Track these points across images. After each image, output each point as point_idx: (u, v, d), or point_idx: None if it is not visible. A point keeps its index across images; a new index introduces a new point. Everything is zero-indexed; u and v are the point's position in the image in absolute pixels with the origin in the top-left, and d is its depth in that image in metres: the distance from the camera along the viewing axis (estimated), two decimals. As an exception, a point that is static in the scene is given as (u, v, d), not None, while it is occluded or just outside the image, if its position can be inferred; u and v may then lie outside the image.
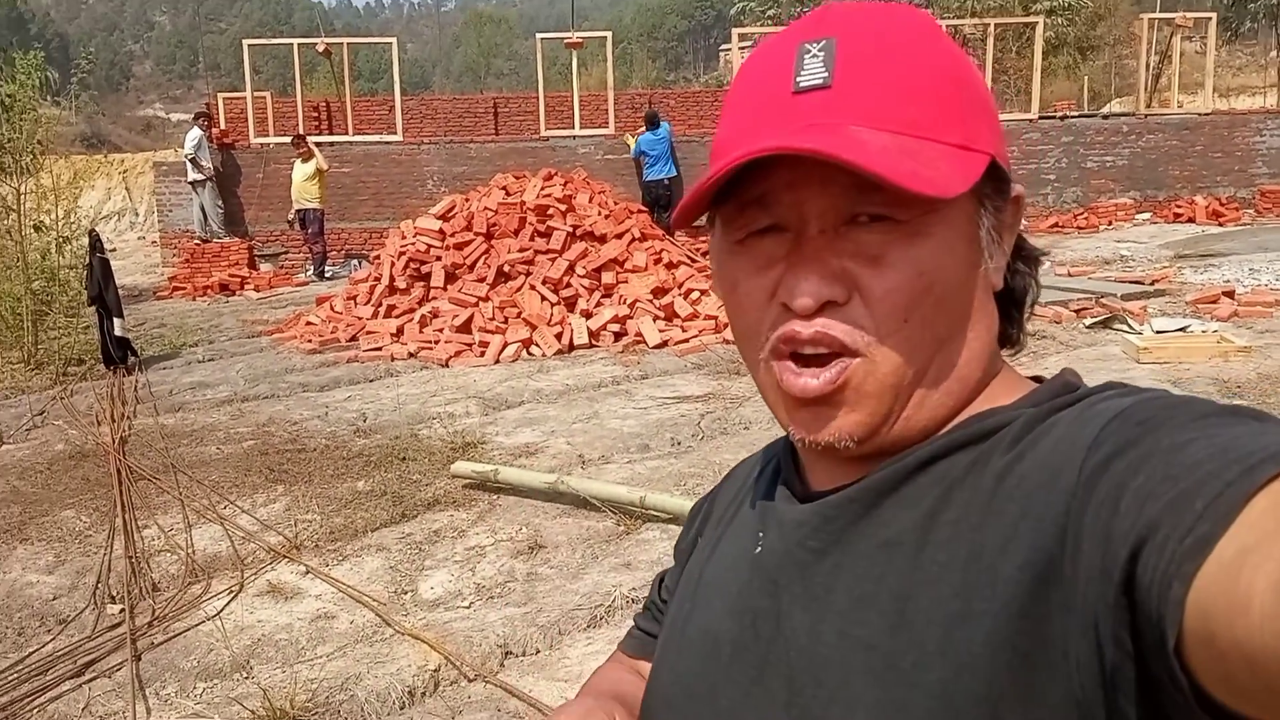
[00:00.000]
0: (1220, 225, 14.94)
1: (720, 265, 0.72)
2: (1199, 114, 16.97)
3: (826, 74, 0.65)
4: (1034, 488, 0.59)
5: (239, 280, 13.38)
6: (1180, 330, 7.63)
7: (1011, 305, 0.74)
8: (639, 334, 8.44)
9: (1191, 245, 12.46)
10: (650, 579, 4.15)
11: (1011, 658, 0.57)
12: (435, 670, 3.57)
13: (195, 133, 14.76)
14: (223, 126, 17.47)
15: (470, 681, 3.52)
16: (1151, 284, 9.92)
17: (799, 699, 0.66)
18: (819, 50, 0.66)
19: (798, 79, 0.66)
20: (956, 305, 0.67)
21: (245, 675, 3.62)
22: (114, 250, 10.50)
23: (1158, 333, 7.65)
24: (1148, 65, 17.95)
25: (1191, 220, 15.24)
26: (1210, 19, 18.00)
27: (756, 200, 0.67)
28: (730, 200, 0.68)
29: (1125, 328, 8.04)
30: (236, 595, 4.24)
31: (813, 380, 0.66)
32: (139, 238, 22.14)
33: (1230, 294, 8.90)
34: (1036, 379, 0.73)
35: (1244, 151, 16.76)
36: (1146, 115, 16.91)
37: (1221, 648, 0.45)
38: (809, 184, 0.65)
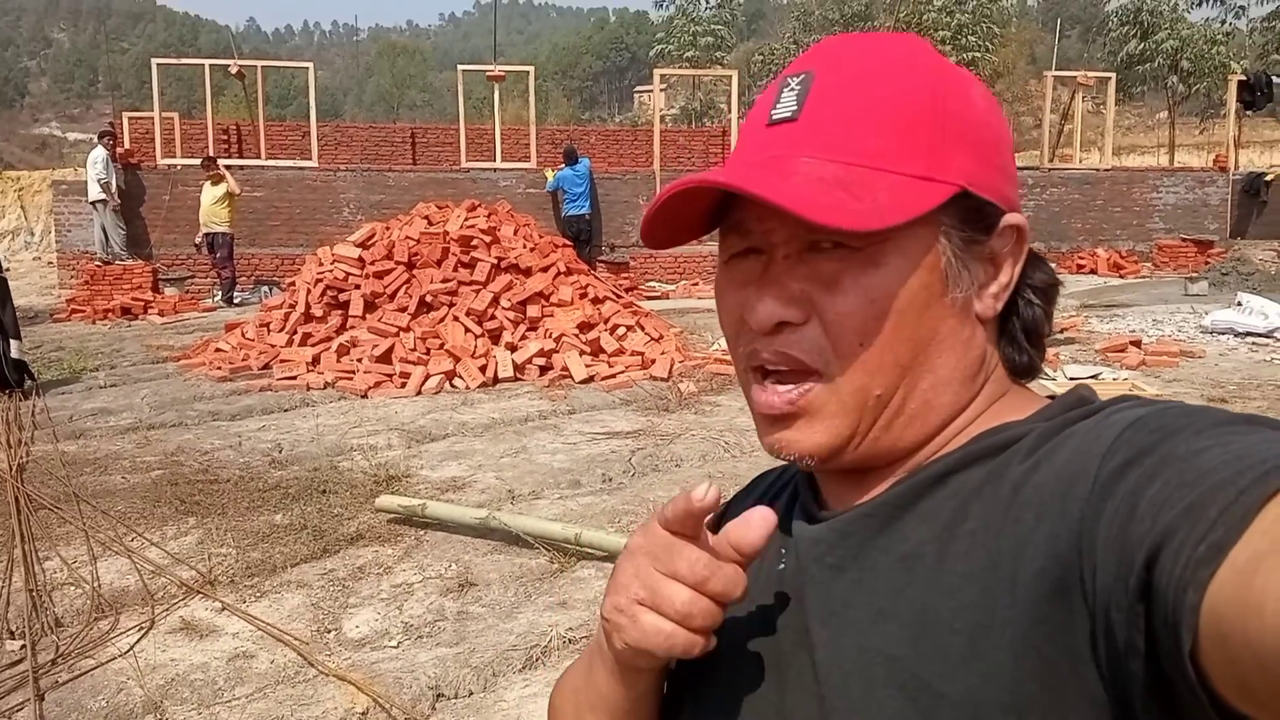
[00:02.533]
0: (1121, 277, 15.55)
1: (716, 279, 0.76)
2: (1099, 169, 17.70)
3: (796, 107, 0.69)
4: (1050, 495, 0.60)
5: (142, 304, 12.91)
6: (1093, 378, 7.85)
7: (1024, 333, 0.75)
8: (565, 368, 8.33)
9: (1095, 295, 12.90)
10: (588, 618, 4.04)
11: (1035, 664, 0.57)
12: (363, 713, 3.40)
13: (100, 152, 14.28)
14: (127, 146, 16.91)
15: (401, 725, 3.35)
16: (1061, 332, 10.23)
17: (825, 713, 0.67)
18: (797, 84, 0.70)
19: (772, 112, 0.70)
20: (917, 332, 0.68)
21: (158, 717, 3.39)
22: (9, 270, 9.97)
23: (1071, 379, 7.86)
24: (1051, 121, 18.67)
25: (1094, 271, 15.83)
26: (1110, 78, 18.83)
27: (735, 226, 0.71)
28: (723, 222, 0.73)
29: (1040, 374, 8.25)
30: (147, 632, 3.99)
31: (775, 398, 0.70)
32: (34, 258, 21.20)
33: (1137, 343, 9.21)
34: (1050, 397, 0.73)
35: (1142, 207, 17.53)
36: (1050, 169, 17.56)
37: (1235, 651, 0.45)
38: (770, 215, 0.68)
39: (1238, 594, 0.45)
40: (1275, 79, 18.60)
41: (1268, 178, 18.20)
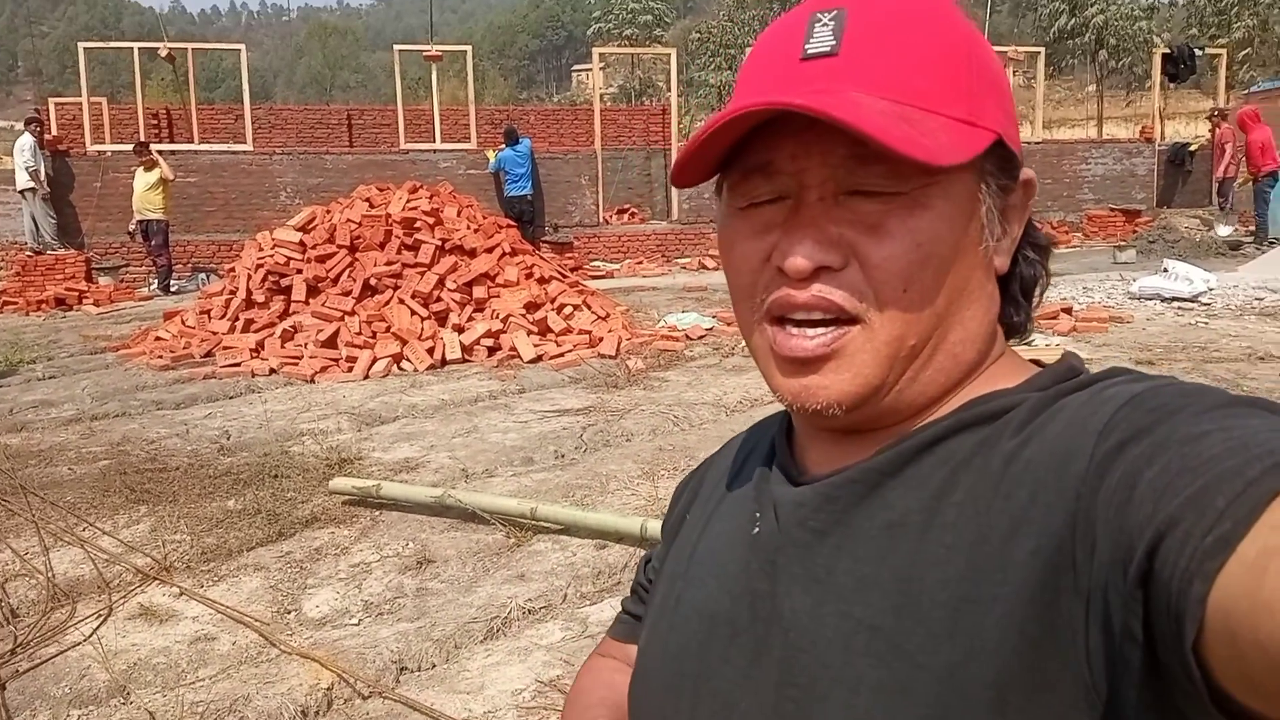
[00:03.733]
0: (1052, 243, 15.90)
1: (722, 229, 0.73)
2: (1029, 142, 18.06)
3: (834, 41, 0.66)
4: (1043, 472, 0.59)
5: (76, 294, 12.65)
6: (1026, 344, 8.08)
7: (1020, 292, 0.75)
8: (513, 349, 8.38)
9: (1028, 265, 13.17)
10: (546, 589, 4.13)
11: (1019, 643, 0.56)
12: (328, 689, 3.45)
13: (27, 139, 13.93)
14: (55, 133, 16.50)
15: (365, 699, 3.41)
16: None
17: (798, 680, 0.65)
18: (829, 19, 0.67)
19: (806, 46, 0.67)
20: (954, 281, 0.67)
21: (124, 700, 3.41)
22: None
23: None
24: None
25: (1026, 242, 16.15)
26: (1039, 53, 19.19)
27: (760, 167, 0.67)
28: (735, 167, 0.69)
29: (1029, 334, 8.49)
30: (106, 619, 4.00)
31: (807, 341, 0.67)
32: (-41, 249, 20.64)
33: (1069, 310, 9.49)
34: (1037, 362, 0.73)
35: (1071, 178, 17.94)
36: (983, 143, 17.86)
37: (1243, 648, 0.45)
38: (810, 153, 0.65)
39: (1247, 591, 0.45)
40: (1198, 51, 19.13)
41: (1191, 148, 18.72)
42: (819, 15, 0.67)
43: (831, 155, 0.64)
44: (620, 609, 0.99)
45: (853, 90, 0.63)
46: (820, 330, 0.66)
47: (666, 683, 0.75)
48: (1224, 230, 15.01)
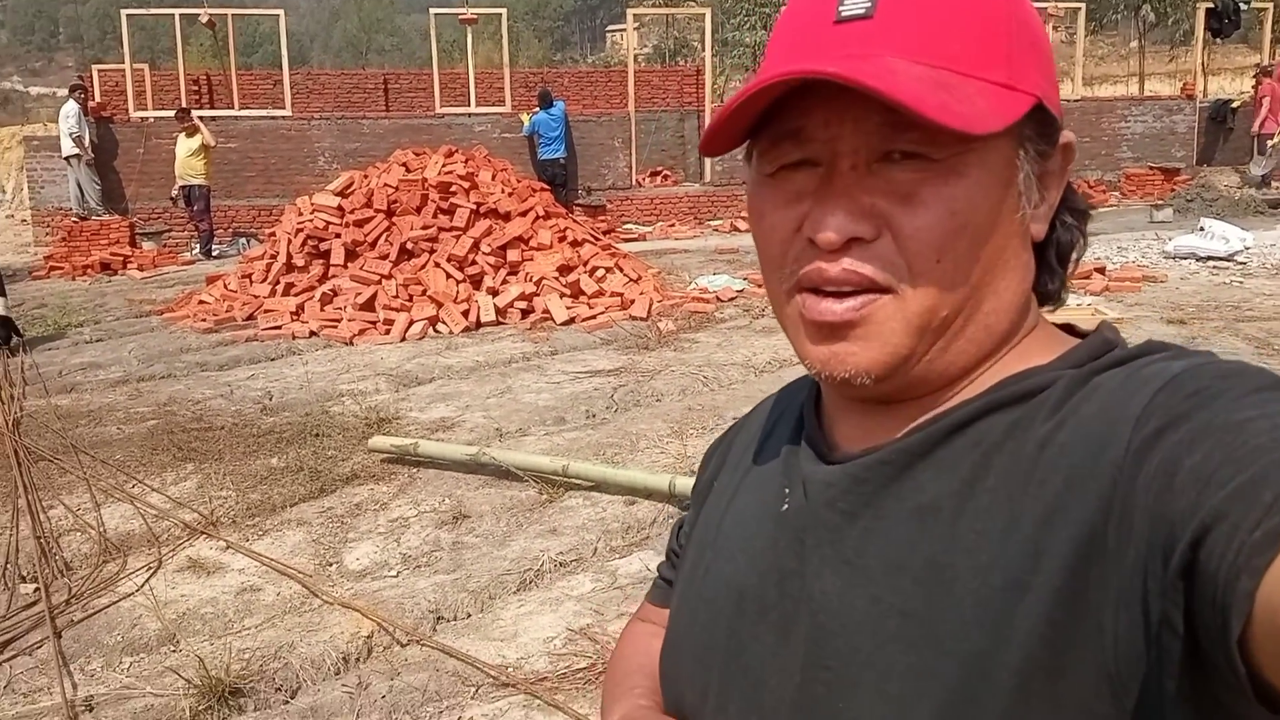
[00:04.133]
0: (1090, 207, 15.73)
1: (751, 196, 0.71)
2: (1067, 100, 17.78)
3: (869, 4, 0.64)
4: (1078, 458, 0.58)
5: (121, 259, 12.90)
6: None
7: (1055, 258, 0.72)
8: (546, 311, 8.49)
9: (1064, 226, 13.06)
10: (577, 543, 4.25)
11: (1046, 630, 0.56)
12: (368, 637, 3.61)
13: (72, 106, 14.17)
14: (99, 99, 16.75)
15: (404, 646, 3.56)
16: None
17: (828, 662, 0.65)
18: None
19: (840, 9, 0.65)
20: (990, 250, 0.65)
21: (173, 648, 3.59)
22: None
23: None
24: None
25: (1063, 202, 15.98)
26: (1079, 9, 18.85)
27: (791, 134, 0.66)
28: (765, 132, 0.67)
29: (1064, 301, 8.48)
30: (155, 571, 4.19)
31: (836, 305, 0.65)
32: (7, 215, 21.12)
33: (1102, 270, 9.43)
34: (1069, 328, 0.72)
35: (1110, 137, 17.67)
36: (1021, 101, 17.61)
37: None
38: (843, 120, 0.63)
39: None
40: (1243, 6, 18.68)
41: (1234, 104, 18.34)
42: None
43: (865, 122, 0.63)
44: (656, 573, 1.00)
45: (888, 55, 0.62)
46: (851, 298, 0.65)
47: (696, 655, 0.76)
48: (1258, 170, 14.76)
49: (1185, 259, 10.25)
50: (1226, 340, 6.90)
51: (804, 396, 0.79)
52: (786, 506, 0.72)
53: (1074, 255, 0.73)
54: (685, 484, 4.47)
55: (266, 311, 8.86)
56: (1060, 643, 0.56)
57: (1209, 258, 10.11)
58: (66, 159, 14.11)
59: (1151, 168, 17.24)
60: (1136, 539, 0.53)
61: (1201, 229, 10.71)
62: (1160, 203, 14.61)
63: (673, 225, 15.87)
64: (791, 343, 0.71)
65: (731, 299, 9.23)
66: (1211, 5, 18.56)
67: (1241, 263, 10.00)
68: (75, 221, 13.61)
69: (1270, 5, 19.77)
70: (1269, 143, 15.85)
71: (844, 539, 0.67)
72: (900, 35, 0.63)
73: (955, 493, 0.63)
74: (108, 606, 3.92)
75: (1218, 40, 19.75)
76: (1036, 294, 0.72)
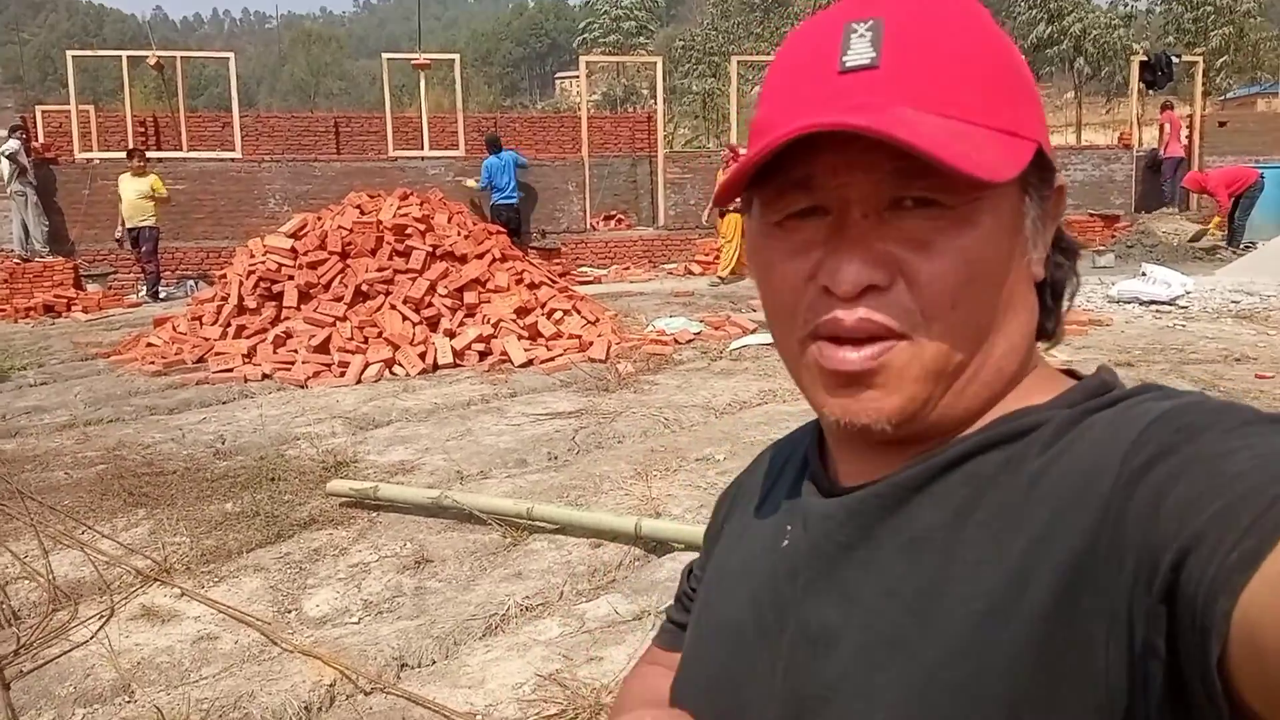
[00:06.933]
0: (1081, 245, 16.11)
1: (756, 247, 0.71)
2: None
3: (874, 54, 0.63)
4: (1069, 491, 0.59)
5: (65, 301, 12.68)
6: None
7: (1050, 297, 0.74)
8: (504, 353, 8.46)
9: (1010, 270, 13.34)
10: (543, 587, 4.21)
11: (1036, 660, 0.56)
12: (331, 685, 3.52)
13: (14, 144, 13.93)
14: (41, 140, 16.49)
15: (368, 694, 3.48)
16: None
17: (820, 691, 0.66)
18: (865, 30, 0.64)
19: (844, 59, 0.64)
20: (1000, 295, 0.66)
21: (128, 699, 3.48)
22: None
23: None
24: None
25: (1008, 248, 16.33)
26: (1020, 62, 19.33)
27: (798, 182, 0.66)
28: (770, 182, 0.67)
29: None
30: (108, 620, 4.06)
31: (853, 353, 0.65)
32: (-58, 257, 20.57)
33: (1050, 314, 9.61)
34: (1070, 372, 0.72)
35: (1052, 185, 18.08)
36: (965, 149, 18.01)
37: (1267, 663, 0.45)
38: (854, 168, 0.63)
39: (1273, 606, 0.45)
40: (1174, 59, 19.37)
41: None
42: (854, 25, 0.65)
43: (876, 170, 0.63)
44: (665, 617, 1.00)
45: (898, 105, 0.62)
46: (868, 345, 0.65)
47: (702, 689, 0.77)
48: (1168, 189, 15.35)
49: (1129, 303, 10.51)
50: (1173, 382, 7.06)
51: (809, 441, 0.80)
52: (787, 542, 0.73)
53: (1068, 292, 0.75)
54: (651, 526, 4.45)
55: (218, 354, 8.72)
56: (1049, 673, 0.56)
57: (1152, 302, 10.38)
58: (10, 195, 13.86)
59: (1092, 215, 17.69)
60: (1124, 570, 0.54)
61: (1143, 274, 11.00)
62: (1102, 248, 14.99)
63: (628, 268, 15.95)
64: (805, 392, 0.71)
65: (689, 341, 9.28)
66: (1145, 59, 19.21)
67: (1183, 306, 10.28)
68: (18, 263, 13.35)
69: (1200, 59, 20.52)
70: (1174, 166, 16.62)
71: (839, 570, 0.68)
72: (908, 85, 0.63)
73: (946, 525, 0.64)
74: (59, 656, 3.78)
75: (1151, 91, 20.40)
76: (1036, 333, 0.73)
